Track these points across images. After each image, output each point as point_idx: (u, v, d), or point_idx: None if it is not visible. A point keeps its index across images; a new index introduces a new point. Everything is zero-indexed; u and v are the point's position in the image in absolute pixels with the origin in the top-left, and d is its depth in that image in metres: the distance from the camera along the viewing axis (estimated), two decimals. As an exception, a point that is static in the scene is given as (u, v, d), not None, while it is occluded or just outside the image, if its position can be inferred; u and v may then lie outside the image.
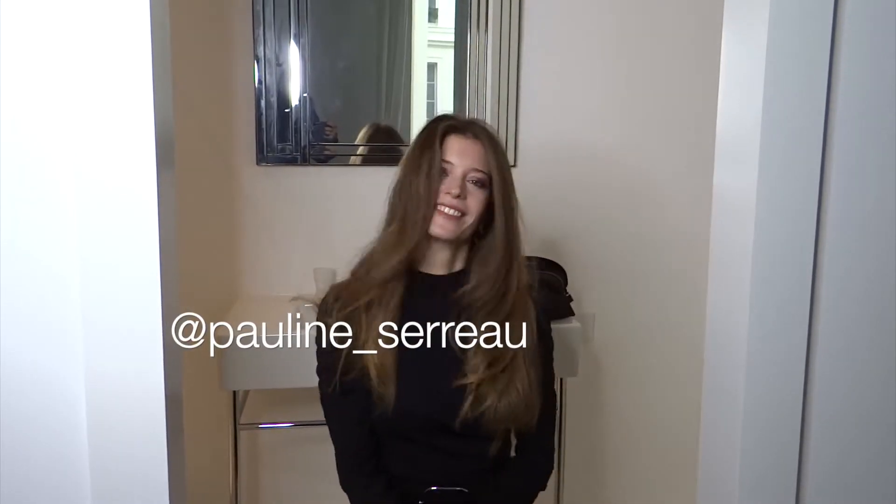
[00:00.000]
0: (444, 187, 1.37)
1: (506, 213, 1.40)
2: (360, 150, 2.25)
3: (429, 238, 1.40)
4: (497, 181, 1.40)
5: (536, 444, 1.48)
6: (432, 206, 1.37)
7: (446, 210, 1.37)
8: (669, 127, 2.34)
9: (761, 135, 1.00)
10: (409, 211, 1.38)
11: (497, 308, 1.39)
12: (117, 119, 0.98)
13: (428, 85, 2.30)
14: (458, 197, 1.37)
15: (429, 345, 1.39)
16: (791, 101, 1.00)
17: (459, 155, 1.39)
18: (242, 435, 2.04)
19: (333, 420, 1.45)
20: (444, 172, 1.39)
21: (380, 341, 1.36)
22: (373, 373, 1.35)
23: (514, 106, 2.27)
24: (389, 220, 1.43)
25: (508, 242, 1.41)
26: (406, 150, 1.44)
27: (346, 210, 2.23)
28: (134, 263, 0.99)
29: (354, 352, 1.37)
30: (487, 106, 2.26)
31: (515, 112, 2.27)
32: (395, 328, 1.37)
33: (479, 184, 1.39)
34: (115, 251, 0.99)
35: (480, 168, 1.39)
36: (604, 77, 2.31)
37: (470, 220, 1.39)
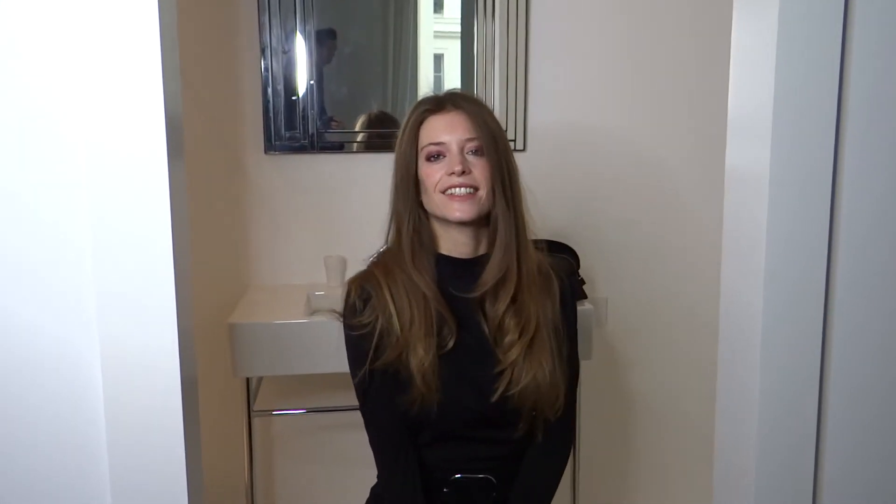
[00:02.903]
0: (447, 169, 1.35)
1: (503, 177, 1.37)
2: (360, 136, 2.25)
3: (449, 224, 1.39)
4: (487, 143, 1.36)
5: (561, 422, 1.45)
6: (415, 193, 1.39)
7: (458, 191, 1.34)
8: (681, 108, 2.33)
9: (773, 112, 0.99)
10: (401, 198, 1.40)
11: (511, 285, 1.38)
12: (127, 100, 0.99)
13: (435, 76, 2.30)
14: (463, 174, 1.34)
15: (463, 338, 1.39)
16: (803, 77, 0.99)
17: (448, 131, 1.36)
18: (256, 423, 2.05)
19: (371, 408, 1.43)
20: (440, 155, 1.37)
21: (419, 347, 1.34)
22: (417, 378, 1.34)
23: (522, 93, 2.26)
24: (391, 218, 1.43)
25: (513, 209, 1.38)
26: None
27: (356, 197, 2.23)
28: (146, 247, 1.00)
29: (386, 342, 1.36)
30: (496, 95, 2.26)
31: (524, 99, 2.27)
32: (433, 329, 1.36)
33: (479, 152, 1.36)
34: (127, 236, 1.00)
35: (473, 136, 1.35)
36: (613, 61, 2.30)
37: (483, 192, 1.35)
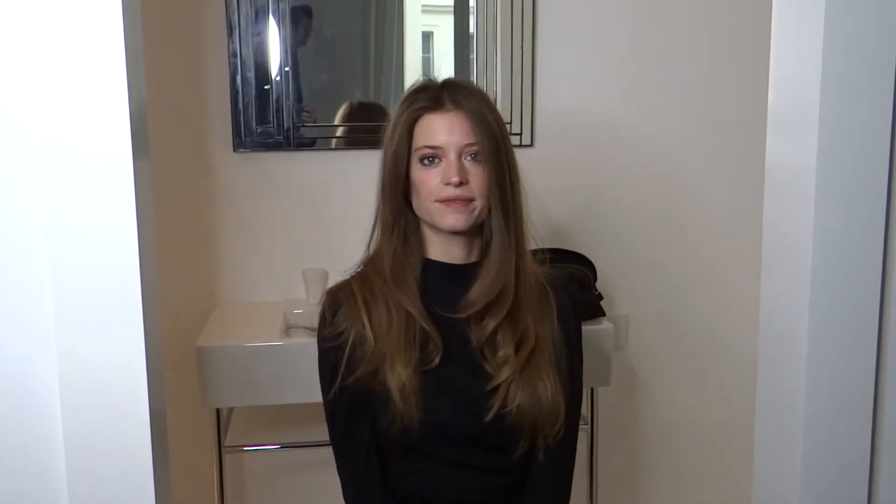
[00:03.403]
0: (443, 177, 1.39)
1: (502, 186, 1.41)
2: (342, 130, 2.28)
3: (440, 230, 1.43)
4: (488, 148, 1.40)
5: (562, 445, 1.48)
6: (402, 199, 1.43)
7: (452, 202, 1.40)
8: (709, 98, 2.36)
9: (821, 101, 1.01)
10: (388, 201, 1.44)
11: (506, 303, 1.42)
12: (87, 88, 1.00)
13: (423, 57, 2.31)
14: (460, 184, 1.38)
15: (451, 353, 1.43)
16: (855, 62, 1.00)
17: (446, 133, 1.40)
18: (227, 459, 2.05)
19: (338, 428, 1.48)
20: (436, 160, 1.41)
21: (397, 362, 1.39)
22: (395, 395, 1.38)
23: (529, 79, 2.29)
24: (376, 221, 1.47)
25: (512, 220, 1.43)
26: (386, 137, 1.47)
27: (339, 201, 2.24)
28: (110, 258, 1.02)
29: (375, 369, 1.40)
30: (498, 81, 2.28)
31: (531, 86, 2.29)
32: (414, 343, 1.40)
33: (478, 157, 1.40)
34: (88, 244, 1.02)
35: (473, 140, 1.40)
36: (634, 44, 2.32)
37: (479, 203, 1.40)
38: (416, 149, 1.42)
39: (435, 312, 1.43)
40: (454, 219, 1.39)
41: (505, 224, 1.42)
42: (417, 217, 1.45)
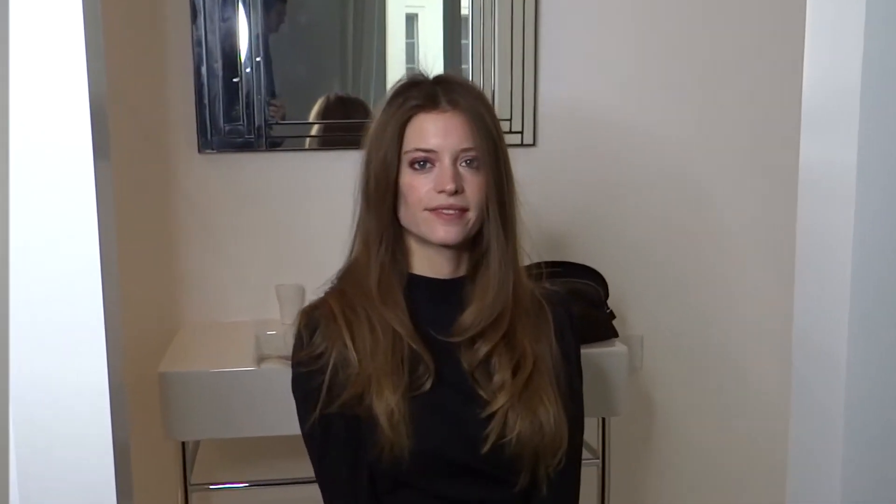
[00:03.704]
0: (435, 185, 1.40)
1: (500, 196, 1.43)
2: (321, 129, 2.28)
3: (428, 242, 1.44)
4: (486, 153, 1.41)
5: (563, 475, 1.50)
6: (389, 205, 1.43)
7: (445, 211, 1.40)
8: (729, 94, 2.37)
9: (861, 94, 1.02)
10: (374, 210, 1.44)
11: (503, 326, 1.44)
12: (44, 80, 1.01)
13: (407, 44, 2.31)
14: (455, 193, 1.39)
15: (443, 377, 1.43)
16: (899, 53, 1.02)
17: (441, 135, 1.41)
18: (194, 498, 2.05)
19: (325, 463, 1.48)
20: (427, 164, 1.42)
21: (385, 386, 1.39)
22: (383, 422, 1.38)
23: (531, 70, 2.29)
24: (357, 232, 1.48)
25: (509, 235, 1.44)
26: (371, 133, 1.47)
27: (317, 207, 2.25)
28: (67, 270, 1.03)
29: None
30: (496, 70, 2.28)
31: (534, 78, 2.30)
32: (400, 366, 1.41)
33: (474, 163, 1.42)
34: (46, 263, 1.02)
35: (470, 145, 1.41)
36: (646, 33, 2.34)
37: (474, 214, 1.41)
38: (406, 151, 1.42)
39: (423, 332, 1.44)
40: (445, 231, 1.40)
41: (505, 237, 1.43)
42: (402, 227, 1.46)
